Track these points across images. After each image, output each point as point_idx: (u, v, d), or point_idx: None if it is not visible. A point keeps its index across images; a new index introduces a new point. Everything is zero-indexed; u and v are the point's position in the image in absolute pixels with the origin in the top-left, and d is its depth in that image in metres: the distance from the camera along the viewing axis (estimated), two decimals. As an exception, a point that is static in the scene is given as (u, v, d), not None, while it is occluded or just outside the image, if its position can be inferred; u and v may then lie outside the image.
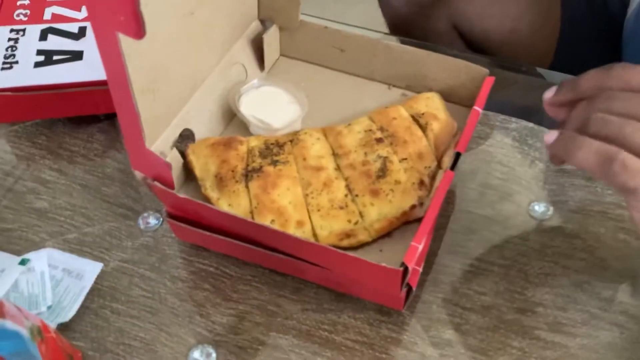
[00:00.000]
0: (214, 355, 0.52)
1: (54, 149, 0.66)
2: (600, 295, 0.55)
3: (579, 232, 0.59)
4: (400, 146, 0.57)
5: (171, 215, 0.55)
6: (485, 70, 0.61)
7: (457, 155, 0.54)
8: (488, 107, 0.60)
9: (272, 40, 0.66)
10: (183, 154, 0.57)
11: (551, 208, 0.60)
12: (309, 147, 0.57)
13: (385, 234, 0.54)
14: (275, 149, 0.57)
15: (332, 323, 0.53)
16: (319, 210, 0.54)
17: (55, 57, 0.66)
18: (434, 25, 0.87)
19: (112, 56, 0.44)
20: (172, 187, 0.52)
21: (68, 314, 0.53)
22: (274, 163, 0.56)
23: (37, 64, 0.65)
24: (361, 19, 0.84)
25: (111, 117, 0.68)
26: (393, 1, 0.88)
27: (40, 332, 0.44)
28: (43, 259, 0.56)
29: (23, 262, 0.55)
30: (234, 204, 0.54)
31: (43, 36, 0.68)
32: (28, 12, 0.71)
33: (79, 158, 0.65)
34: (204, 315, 0.54)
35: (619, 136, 0.44)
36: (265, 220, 0.53)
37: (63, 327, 0.53)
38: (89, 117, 0.67)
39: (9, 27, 0.69)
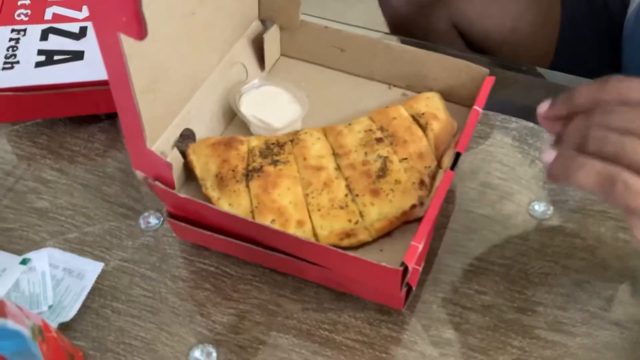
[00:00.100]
0: (214, 354, 0.52)
1: (54, 148, 0.66)
2: (600, 294, 0.55)
3: (579, 232, 0.59)
4: (401, 146, 0.57)
5: (172, 215, 0.56)
6: (486, 70, 0.61)
7: (457, 155, 0.54)
8: (488, 106, 0.60)
9: (272, 40, 0.66)
10: (184, 154, 0.57)
11: (551, 208, 0.60)
12: (310, 146, 0.57)
13: (386, 234, 0.54)
14: (276, 149, 0.57)
15: (332, 322, 0.54)
16: (319, 210, 0.54)
17: (56, 57, 0.66)
18: (434, 25, 0.87)
19: (113, 57, 0.44)
20: (173, 187, 0.53)
21: (69, 314, 0.53)
22: (275, 163, 0.56)
23: (38, 64, 0.65)
24: (361, 19, 0.85)
25: (112, 116, 0.68)
26: (393, 1, 0.88)
27: (41, 331, 0.44)
28: (44, 259, 0.56)
29: (24, 262, 0.55)
30: (234, 203, 0.54)
31: (44, 36, 0.68)
32: (29, 12, 0.71)
33: (79, 158, 0.65)
34: (205, 314, 0.54)
35: (620, 154, 0.43)
36: (265, 220, 0.53)
37: (64, 327, 0.53)
38: (89, 116, 0.67)
39: (9, 27, 0.69)
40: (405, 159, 0.56)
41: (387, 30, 0.92)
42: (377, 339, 0.53)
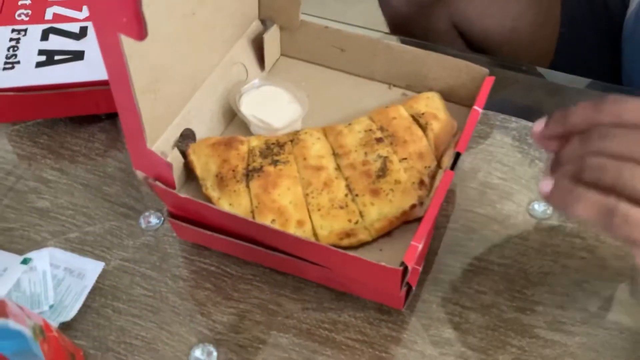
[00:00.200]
0: (214, 353, 0.52)
1: (55, 148, 0.66)
2: (599, 294, 0.55)
3: (579, 231, 0.59)
4: (401, 146, 0.57)
5: (172, 215, 0.56)
6: (486, 70, 0.61)
7: (457, 155, 0.54)
8: (488, 106, 0.60)
9: (272, 40, 0.66)
10: (184, 154, 0.57)
11: (551, 207, 0.60)
12: (310, 146, 0.58)
13: (385, 234, 0.54)
14: (276, 149, 0.57)
15: (332, 322, 0.54)
16: (319, 209, 0.54)
17: (56, 57, 0.66)
18: (434, 24, 0.87)
19: (113, 57, 0.44)
20: (173, 187, 0.53)
21: (70, 313, 0.53)
22: (275, 163, 0.56)
23: (39, 64, 0.66)
24: (361, 19, 0.85)
25: (112, 116, 0.68)
26: (393, 1, 0.88)
27: (42, 331, 0.44)
28: (45, 258, 0.56)
29: (25, 262, 0.55)
30: (234, 203, 0.54)
31: (44, 36, 0.68)
32: (29, 12, 0.71)
33: (80, 157, 0.65)
34: (205, 314, 0.54)
35: (618, 183, 0.42)
36: (265, 219, 0.53)
37: (65, 326, 0.53)
38: (90, 116, 0.68)
39: (10, 27, 0.69)
40: (405, 158, 0.56)
41: (387, 30, 0.92)
42: (377, 339, 0.53)
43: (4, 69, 0.65)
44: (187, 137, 0.57)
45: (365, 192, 0.54)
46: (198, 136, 0.59)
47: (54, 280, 0.55)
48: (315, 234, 0.53)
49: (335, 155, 0.57)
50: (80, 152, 0.66)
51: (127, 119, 0.49)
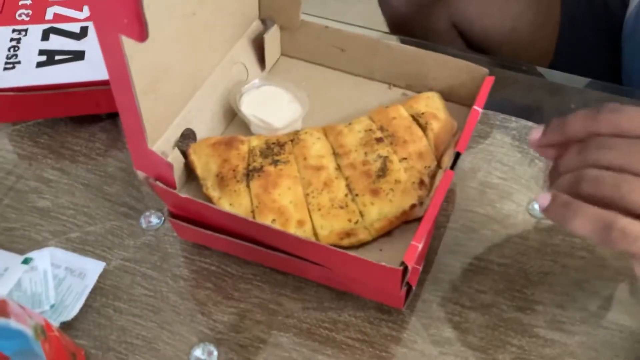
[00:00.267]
0: (215, 353, 0.52)
1: (56, 148, 0.66)
2: (599, 293, 0.55)
3: (578, 231, 0.59)
4: (400, 146, 0.57)
5: (173, 215, 0.56)
6: (485, 70, 0.61)
7: (457, 155, 0.54)
8: (488, 106, 0.60)
9: (272, 39, 0.66)
10: (184, 154, 0.57)
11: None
12: (310, 146, 0.58)
13: (385, 233, 0.54)
14: (276, 149, 0.57)
15: (332, 321, 0.54)
16: (319, 209, 0.54)
17: (57, 57, 0.66)
18: (434, 24, 0.87)
19: (114, 58, 0.44)
20: (174, 187, 0.53)
21: (71, 313, 0.53)
22: (275, 163, 0.56)
23: (39, 64, 0.66)
24: (361, 19, 0.85)
25: (113, 116, 0.68)
26: (393, 1, 0.88)
27: (43, 330, 0.44)
28: (46, 258, 0.56)
29: (26, 261, 0.55)
30: (235, 203, 0.54)
31: (45, 36, 0.68)
32: (30, 12, 0.71)
33: (81, 157, 0.65)
34: (206, 313, 0.54)
35: (615, 196, 0.42)
36: (266, 219, 0.53)
37: (66, 326, 0.53)
38: (90, 116, 0.68)
39: (11, 27, 0.69)
40: (405, 158, 0.56)
41: (387, 30, 0.92)
42: (377, 338, 0.53)
43: (5, 69, 0.65)
44: (187, 137, 0.57)
45: (365, 192, 0.55)
46: (198, 136, 0.59)
47: (55, 280, 0.55)
48: (315, 234, 0.53)
49: (335, 155, 0.58)
50: (81, 152, 0.66)
51: (128, 119, 0.49)
